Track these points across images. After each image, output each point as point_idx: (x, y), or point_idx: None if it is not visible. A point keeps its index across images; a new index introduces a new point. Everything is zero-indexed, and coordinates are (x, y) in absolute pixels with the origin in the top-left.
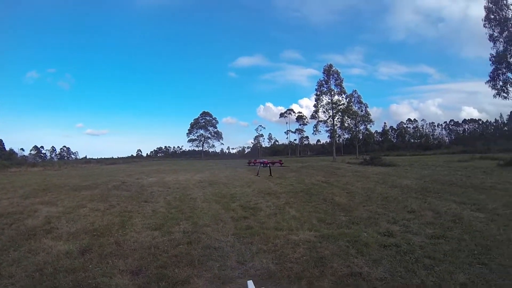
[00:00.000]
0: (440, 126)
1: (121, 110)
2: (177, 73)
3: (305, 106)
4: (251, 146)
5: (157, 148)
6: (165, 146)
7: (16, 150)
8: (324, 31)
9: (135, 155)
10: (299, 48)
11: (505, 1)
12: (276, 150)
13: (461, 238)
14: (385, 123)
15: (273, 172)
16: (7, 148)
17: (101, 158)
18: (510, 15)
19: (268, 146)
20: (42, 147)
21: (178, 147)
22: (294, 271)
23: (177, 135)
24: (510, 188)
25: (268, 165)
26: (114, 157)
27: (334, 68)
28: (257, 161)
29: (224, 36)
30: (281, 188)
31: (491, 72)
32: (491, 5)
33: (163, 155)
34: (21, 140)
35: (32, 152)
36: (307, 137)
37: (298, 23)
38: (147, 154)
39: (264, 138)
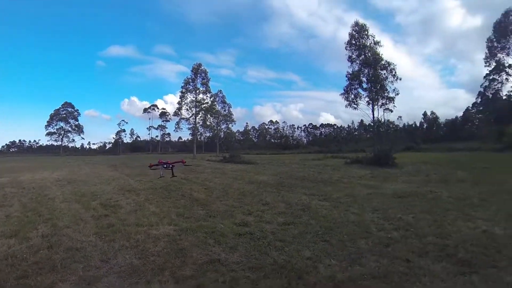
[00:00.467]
0: (300, 129)
1: None
2: (37, 56)
3: (170, 102)
4: (113, 142)
5: (10, 142)
6: (20, 140)
7: None
8: (200, 30)
9: None
10: (173, 44)
11: (366, 32)
12: (138, 146)
13: (308, 223)
14: (247, 123)
15: (134, 170)
16: None
17: None
18: (368, 43)
19: (130, 142)
20: None
21: (35, 141)
22: (157, 264)
23: (34, 127)
24: (352, 181)
25: (171, 165)
26: None
27: (202, 67)
28: (161, 161)
29: (96, 21)
30: (141, 185)
31: (345, 87)
32: (354, 33)
33: (17, 150)
34: None
35: None
36: (169, 134)
37: (176, 19)
38: None
39: (126, 134)
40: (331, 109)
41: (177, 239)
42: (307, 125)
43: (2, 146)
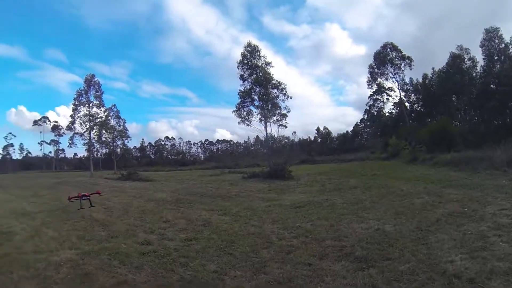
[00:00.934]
0: (196, 145)
1: None
2: None
3: (63, 115)
4: (0, 158)
5: None
6: None
7: None
8: (96, 37)
9: None
10: (66, 49)
11: (258, 52)
12: (29, 163)
13: (210, 237)
14: (143, 139)
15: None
16: None
17: None
18: (260, 63)
19: (20, 158)
20: None
21: None
22: None
23: None
24: (250, 194)
25: (88, 197)
26: None
27: (96, 79)
28: (80, 194)
29: None
30: (36, 208)
31: (237, 104)
32: (247, 53)
33: None
34: None
35: None
36: (63, 150)
37: (72, 22)
38: None
39: (15, 149)
40: (227, 125)
41: (80, 264)
42: (203, 141)
43: None
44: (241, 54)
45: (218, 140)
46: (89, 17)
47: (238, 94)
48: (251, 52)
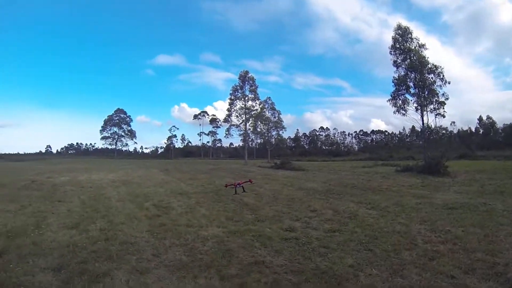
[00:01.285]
0: (350, 135)
1: (28, 101)
2: (92, 65)
3: (220, 109)
4: (165, 147)
5: (68, 144)
6: (77, 143)
7: None
8: (245, 37)
9: (44, 151)
10: (219, 52)
11: (410, 35)
12: (189, 151)
13: (354, 231)
14: (298, 129)
15: (185, 174)
16: None
17: (4, 154)
18: (413, 47)
19: (182, 147)
20: None
21: (91, 144)
22: (204, 261)
23: (90, 131)
24: (401, 189)
25: (241, 185)
26: (21, 153)
27: (250, 75)
28: (235, 183)
29: (144, 32)
30: (193, 189)
31: (392, 92)
32: (397, 36)
33: (74, 152)
34: None
35: None
36: (220, 140)
37: (220, 27)
38: (57, 150)
39: (177, 139)
40: (382, 115)
41: (225, 240)
42: (357, 132)
43: (61, 148)
44: (392, 38)
45: (372, 130)
46: (235, 20)
47: (393, 81)
48: (402, 35)
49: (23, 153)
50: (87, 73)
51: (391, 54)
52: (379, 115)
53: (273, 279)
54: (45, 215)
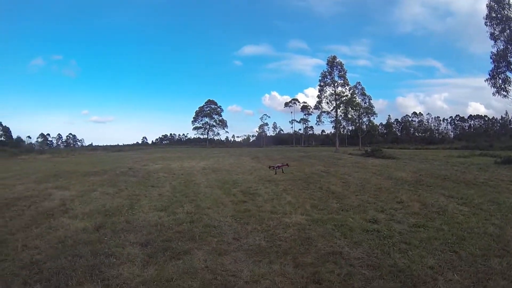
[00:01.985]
0: (445, 121)
1: (126, 98)
2: (182, 61)
3: (311, 95)
4: (256, 135)
5: (163, 135)
6: (171, 134)
7: (23, 137)
8: (329, 21)
9: (140, 142)
10: (305, 38)
11: (507, 0)
12: (281, 139)
13: (440, 228)
14: (389, 115)
15: (276, 162)
16: (14, 136)
17: (107, 145)
18: None
19: (273, 135)
20: (48, 134)
21: (184, 134)
22: (282, 248)
23: (183, 122)
24: (500, 184)
25: (281, 167)
26: (120, 144)
27: (337, 60)
28: (275, 166)
29: (228, 25)
30: (281, 176)
31: (490, 70)
32: (493, 4)
33: (168, 142)
34: (27, 128)
35: (39, 139)
36: (311, 127)
37: (303, 13)
38: (152, 141)
39: (269, 127)
40: (481, 98)
41: (306, 228)
42: (453, 117)
43: (155, 139)
44: (486, 6)
45: (470, 115)
46: (318, 4)
47: (491, 57)
48: (498, 1)
49: (122, 144)
50: (178, 70)
51: (486, 25)
52: (477, 98)
53: (347, 271)
54: (138, 198)
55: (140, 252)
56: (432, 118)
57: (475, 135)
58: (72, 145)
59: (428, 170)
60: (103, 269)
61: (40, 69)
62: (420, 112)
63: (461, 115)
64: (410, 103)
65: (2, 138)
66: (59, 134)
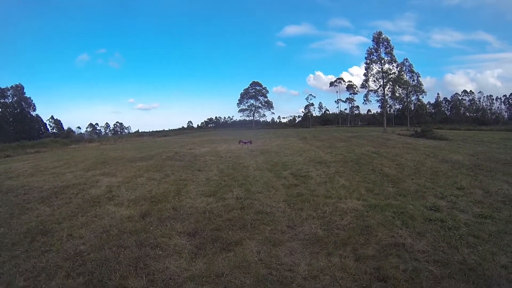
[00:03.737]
0: (499, 100)
1: (170, 84)
2: (225, 45)
3: (356, 74)
4: (302, 116)
5: (208, 119)
6: (216, 117)
7: (73, 128)
8: None
9: (186, 127)
10: (347, 16)
11: None
12: (327, 119)
13: (509, 220)
14: (438, 94)
15: (324, 142)
16: (65, 127)
17: (153, 131)
18: None
19: (319, 115)
20: (97, 124)
21: (229, 117)
22: (341, 238)
23: (228, 105)
24: None
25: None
26: (166, 129)
27: (383, 36)
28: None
29: (269, 6)
30: (332, 158)
31: None
32: None
33: (213, 125)
34: (77, 119)
35: (88, 129)
36: (357, 107)
37: None
38: (197, 125)
39: (314, 107)
40: None
41: (364, 215)
42: (507, 96)
43: (201, 122)
44: None
45: None
46: None
47: None
48: None
49: (167, 129)
50: (221, 53)
51: None
52: None
53: (413, 267)
54: (185, 183)
55: (187, 243)
56: (484, 96)
57: None
58: (119, 132)
59: (485, 153)
60: (148, 262)
61: (86, 63)
62: (471, 91)
63: None
64: (460, 81)
65: (54, 130)
66: (106, 123)
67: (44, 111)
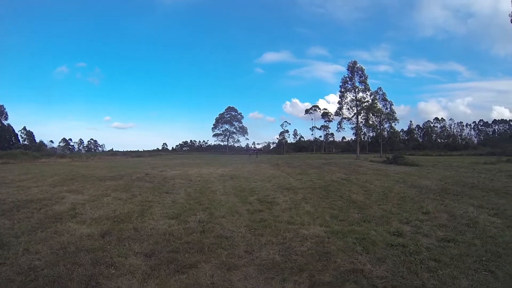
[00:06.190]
0: (469, 126)
1: (148, 105)
2: (204, 69)
3: (332, 102)
4: (277, 142)
5: (183, 142)
6: (191, 140)
7: (45, 142)
8: (349, 27)
9: (160, 148)
10: (325, 45)
11: None
12: (301, 146)
13: (472, 243)
14: (411, 121)
15: (295, 169)
16: (37, 140)
17: (127, 151)
18: None
19: (294, 142)
20: (70, 139)
21: (204, 141)
22: (298, 263)
23: (203, 129)
24: None
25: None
26: (140, 150)
27: (358, 65)
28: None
29: (249, 33)
30: (301, 184)
31: None
32: None
33: (188, 149)
34: (51, 132)
35: (61, 144)
36: (332, 134)
37: (323, 20)
38: (172, 147)
39: (289, 134)
40: (506, 101)
41: (325, 241)
42: (477, 122)
43: (176, 145)
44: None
45: (494, 120)
46: (336, 10)
47: None
48: None
49: (142, 150)
50: (200, 77)
51: None
52: (502, 102)
53: None
54: (151, 205)
55: (143, 263)
56: (455, 123)
57: (500, 140)
58: (93, 149)
59: (453, 178)
60: (100, 280)
61: (65, 76)
62: (442, 118)
63: (485, 120)
64: (432, 109)
65: (26, 142)
66: (80, 139)
67: (16, 121)
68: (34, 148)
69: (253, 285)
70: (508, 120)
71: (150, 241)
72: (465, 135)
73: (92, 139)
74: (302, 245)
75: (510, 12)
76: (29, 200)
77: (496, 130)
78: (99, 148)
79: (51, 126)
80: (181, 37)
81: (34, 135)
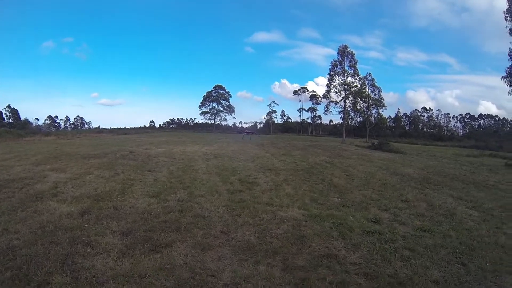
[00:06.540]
0: (455, 118)
1: (136, 81)
2: (193, 46)
3: (321, 84)
4: (264, 122)
5: (170, 119)
6: (178, 118)
7: (30, 119)
8: (343, 12)
9: (147, 126)
10: (317, 27)
11: None
12: (288, 127)
13: (447, 234)
14: (399, 109)
15: (280, 150)
16: (22, 118)
17: (113, 128)
18: None
19: (281, 122)
20: (56, 116)
21: (191, 119)
22: (273, 246)
23: (191, 107)
24: None
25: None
26: (127, 127)
27: (349, 49)
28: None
29: (240, 11)
30: (284, 165)
31: (508, 68)
32: None
33: (175, 126)
34: (36, 110)
35: (47, 121)
36: (319, 117)
37: (317, 2)
38: (159, 125)
39: (276, 115)
40: (493, 97)
41: (302, 225)
42: (463, 115)
43: (163, 122)
44: (507, 0)
45: (481, 114)
46: None
47: (509, 54)
48: None
49: (129, 127)
50: (189, 55)
51: (506, 20)
52: (489, 97)
53: (341, 279)
54: (132, 183)
55: (119, 242)
56: (442, 114)
57: (485, 134)
58: (79, 127)
59: (436, 168)
60: (76, 259)
61: (51, 51)
62: (430, 108)
63: (471, 114)
64: (421, 98)
65: (10, 120)
66: (66, 116)
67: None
68: (19, 126)
69: (226, 266)
70: (494, 115)
71: (128, 219)
72: (451, 126)
73: (78, 116)
74: (279, 228)
75: (505, 10)
76: (11, 179)
77: (482, 124)
78: (86, 126)
79: (37, 104)
80: (172, 12)
81: (19, 113)
